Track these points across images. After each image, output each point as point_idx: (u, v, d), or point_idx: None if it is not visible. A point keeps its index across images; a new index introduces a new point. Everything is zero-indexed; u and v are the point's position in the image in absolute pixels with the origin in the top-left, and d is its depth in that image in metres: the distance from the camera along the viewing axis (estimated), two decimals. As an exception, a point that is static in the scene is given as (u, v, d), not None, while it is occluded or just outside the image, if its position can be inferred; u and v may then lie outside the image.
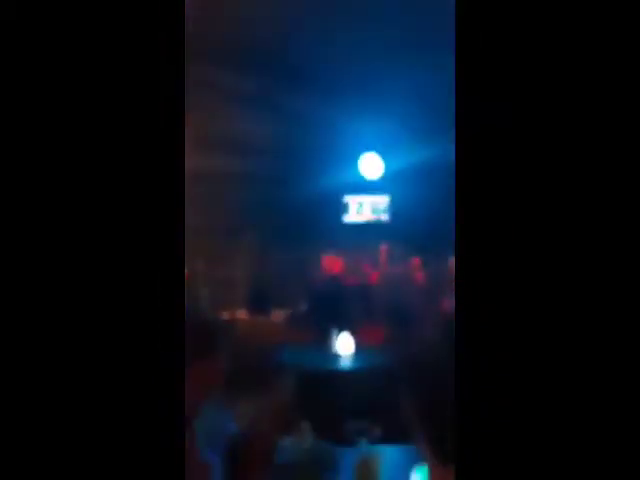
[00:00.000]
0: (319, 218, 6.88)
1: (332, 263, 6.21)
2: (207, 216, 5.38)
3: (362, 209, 7.40)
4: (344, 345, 2.60)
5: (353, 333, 3.46)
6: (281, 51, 3.61)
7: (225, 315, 3.92)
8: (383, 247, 6.06)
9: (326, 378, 2.45)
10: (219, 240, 5.62)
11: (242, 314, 3.90)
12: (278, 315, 4.10)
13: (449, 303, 4.63)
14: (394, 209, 7.38)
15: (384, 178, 6.84)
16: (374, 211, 7.46)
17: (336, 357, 2.55)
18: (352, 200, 7.47)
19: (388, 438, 1.74)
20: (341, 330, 2.66)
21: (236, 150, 5.39)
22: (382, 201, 7.58)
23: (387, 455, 1.65)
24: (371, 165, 6.74)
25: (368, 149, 6.61)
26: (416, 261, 5.80)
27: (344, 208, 7.42)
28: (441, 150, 4.91)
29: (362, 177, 6.79)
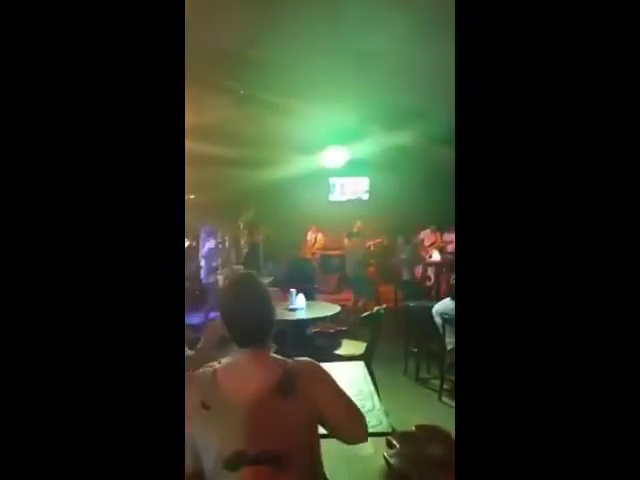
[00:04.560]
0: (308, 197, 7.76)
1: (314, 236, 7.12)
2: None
3: (345, 189, 8.31)
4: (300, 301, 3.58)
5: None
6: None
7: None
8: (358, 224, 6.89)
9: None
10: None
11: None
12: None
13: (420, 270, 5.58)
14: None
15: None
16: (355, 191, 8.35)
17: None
18: (337, 181, 8.35)
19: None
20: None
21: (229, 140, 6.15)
22: (362, 182, 8.48)
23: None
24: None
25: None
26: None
27: (330, 188, 8.32)
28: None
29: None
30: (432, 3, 3.10)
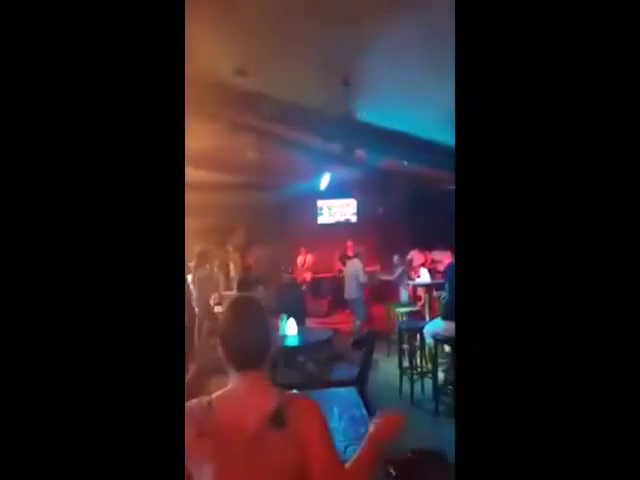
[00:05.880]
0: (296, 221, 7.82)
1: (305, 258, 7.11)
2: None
3: (333, 211, 8.40)
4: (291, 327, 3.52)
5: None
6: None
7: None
8: (349, 244, 6.91)
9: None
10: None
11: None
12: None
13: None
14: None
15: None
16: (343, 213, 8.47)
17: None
18: (324, 204, 8.46)
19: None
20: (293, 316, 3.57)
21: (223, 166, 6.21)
22: (350, 204, 8.59)
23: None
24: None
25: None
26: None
27: (318, 211, 8.39)
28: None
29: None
30: (417, 28, 3.20)
